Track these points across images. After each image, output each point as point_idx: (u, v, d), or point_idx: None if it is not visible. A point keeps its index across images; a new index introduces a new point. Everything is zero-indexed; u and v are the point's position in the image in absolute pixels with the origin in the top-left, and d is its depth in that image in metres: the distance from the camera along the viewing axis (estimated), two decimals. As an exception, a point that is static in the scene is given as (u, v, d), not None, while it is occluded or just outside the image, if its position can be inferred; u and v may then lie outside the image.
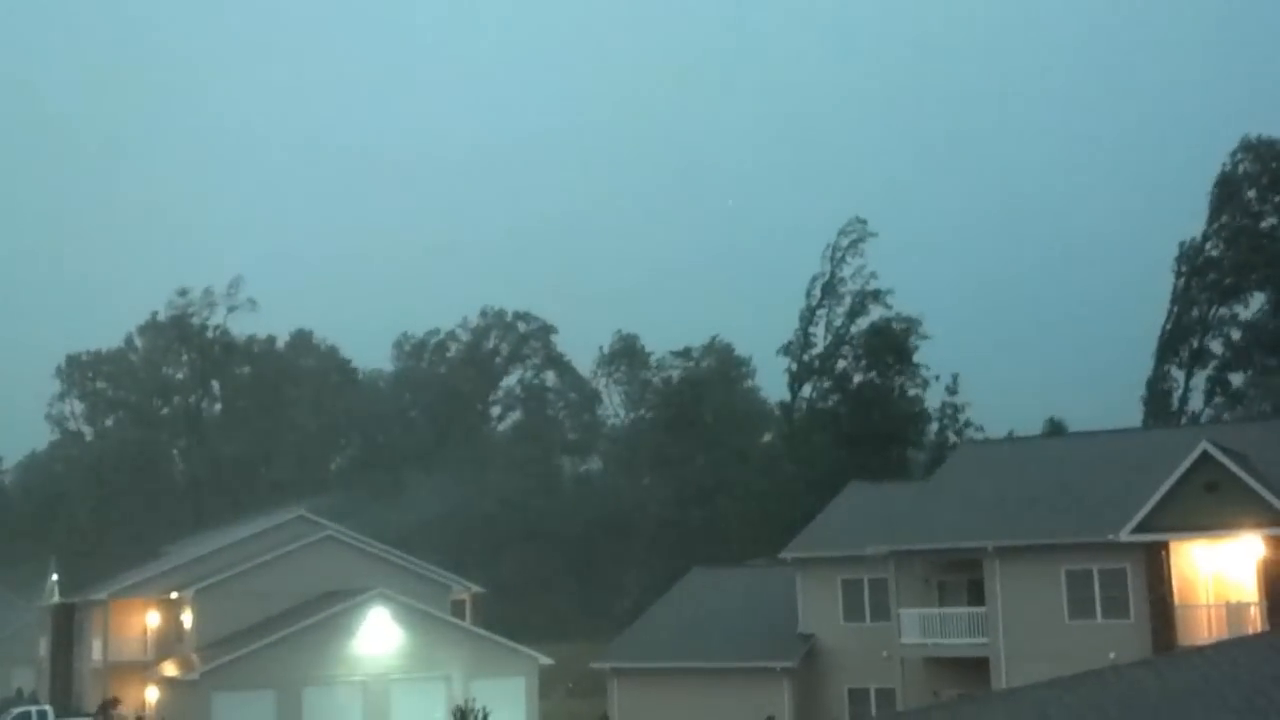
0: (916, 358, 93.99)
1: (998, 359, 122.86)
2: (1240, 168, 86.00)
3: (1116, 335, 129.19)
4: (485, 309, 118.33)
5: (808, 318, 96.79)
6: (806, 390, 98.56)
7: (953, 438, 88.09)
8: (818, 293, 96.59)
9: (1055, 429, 77.74)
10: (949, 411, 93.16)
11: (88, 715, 59.33)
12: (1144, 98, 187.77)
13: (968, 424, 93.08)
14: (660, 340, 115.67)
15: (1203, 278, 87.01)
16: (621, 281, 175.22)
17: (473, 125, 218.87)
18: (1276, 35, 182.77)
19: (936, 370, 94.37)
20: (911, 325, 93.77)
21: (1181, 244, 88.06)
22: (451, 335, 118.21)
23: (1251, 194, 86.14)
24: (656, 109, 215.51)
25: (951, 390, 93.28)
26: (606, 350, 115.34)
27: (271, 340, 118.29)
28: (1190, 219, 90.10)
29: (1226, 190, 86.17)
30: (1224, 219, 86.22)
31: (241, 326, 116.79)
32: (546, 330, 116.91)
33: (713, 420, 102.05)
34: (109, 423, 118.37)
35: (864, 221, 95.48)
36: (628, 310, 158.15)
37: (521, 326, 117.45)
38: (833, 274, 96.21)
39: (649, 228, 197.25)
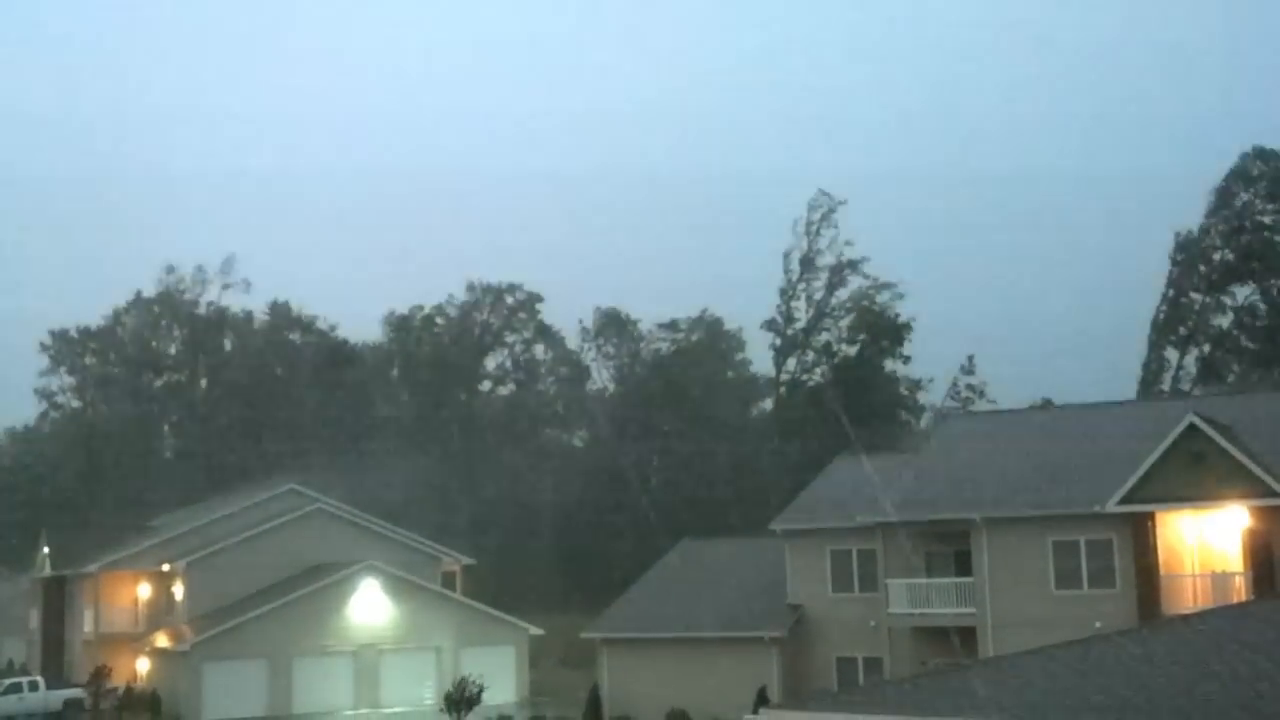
0: (910, 330, 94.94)
1: (990, 337, 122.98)
2: (1252, 169, 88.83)
3: (1109, 319, 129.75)
4: (472, 283, 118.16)
5: (789, 292, 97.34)
6: (791, 364, 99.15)
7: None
8: (795, 267, 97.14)
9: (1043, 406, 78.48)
10: (958, 392, 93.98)
11: (78, 686, 59.55)
12: (1144, 83, 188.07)
13: (972, 392, 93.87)
14: (647, 311, 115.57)
15: (1198, 267, 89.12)
16: (607, 251, 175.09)
17: (459, 100, 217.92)
18: (1273, 39, 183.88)
19: (925, 345, 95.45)
20: (892, 291, 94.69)
21: (1177, 234, 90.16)
22: (438, 309, 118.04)
23: (1256, 194, 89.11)
24: (648, 88, 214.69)
25: (968, 370, 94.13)
26: (590, 324, 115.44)
27: (259, 314, 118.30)
28: (1183, 208, 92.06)
29: (1231, 188, 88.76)
30: (1225, 214, 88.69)
31: (234, 303, 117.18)
32: (534, 300, 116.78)
33: (702, 393, 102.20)
34: (99, 397, 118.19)
35: (829, 194, 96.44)
36: (614, 280, 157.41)
37: (510, 299, 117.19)
38: (809, 247, 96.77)
39: (635, 195, 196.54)
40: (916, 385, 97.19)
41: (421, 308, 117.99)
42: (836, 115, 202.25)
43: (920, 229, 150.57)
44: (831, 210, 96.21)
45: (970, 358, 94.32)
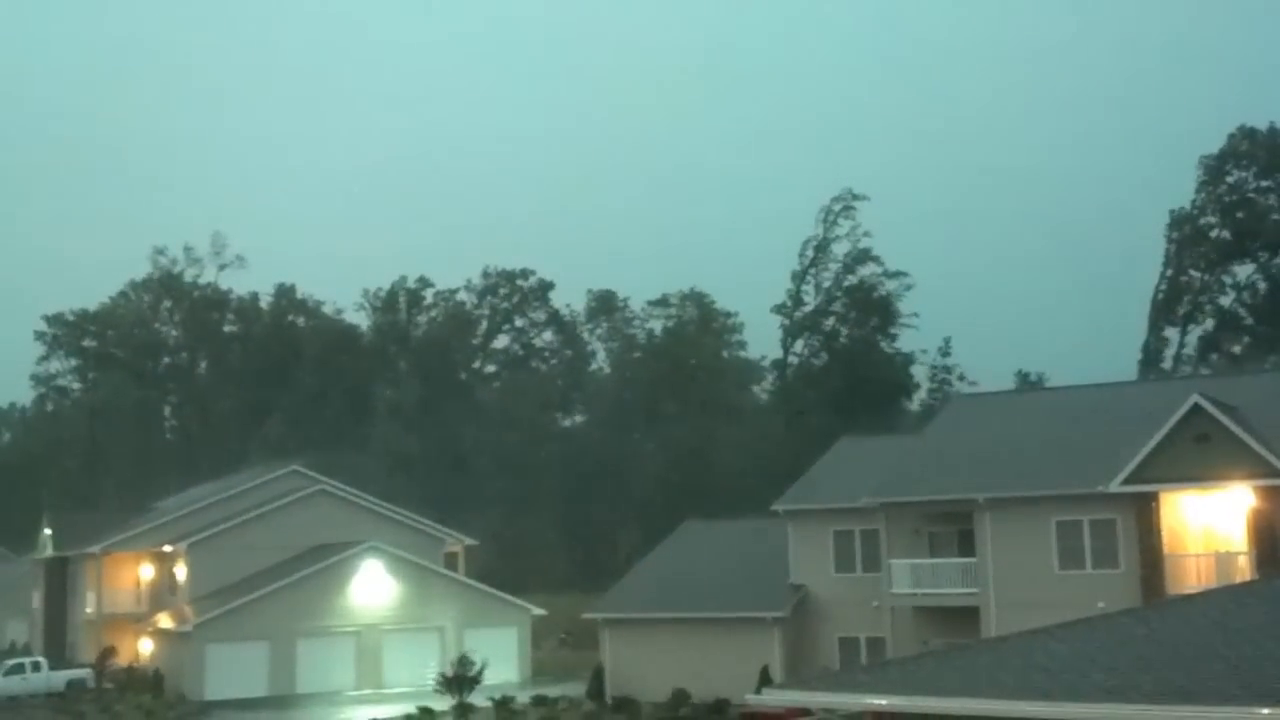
0: (907, 314, 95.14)
1: (994, 322, 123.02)
2: (1240, 147, 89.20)
3: (1111, 298, 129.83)
4: (484, 267, 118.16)
5: (800, 277, 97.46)
6: (799, 346, 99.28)
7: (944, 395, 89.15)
8: (810, 253, 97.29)
9: (1032, 385, 78.76)
10: (937, 372, 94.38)
11: (81, 667, 59.63)
12: (1138, 68, 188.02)
13: (961, 378, 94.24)
14: (644, 298, 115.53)
15: (1194, 245, 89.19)
16: (611, 240, 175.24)
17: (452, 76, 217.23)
18: (1259, 22, 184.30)
19: (930, 328, 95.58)
20: (899, 280, 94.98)
21: (1172, 212, 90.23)
22: (425, 283, 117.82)
23: (1246, 173, 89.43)
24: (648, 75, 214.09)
25: (944, 352, 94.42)
26: (583, 307, 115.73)
27: (260, 296, 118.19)
28: (1177, 185, 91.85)
29: (1220, 166, 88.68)
30: (1219, 192, 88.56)
31: (230, 283, 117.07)
32: (546, 288, 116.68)
33: (703, 375, 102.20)
34: (99, 380, 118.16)
35: (855, 195, 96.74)
36: (617, 269, 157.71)
37: (514, 282, 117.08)
38: (825, 236, 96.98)
39: (638, 185, 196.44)
40: (917, 367, 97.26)
41: (425, 288, 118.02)
42: (835, 115, 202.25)
43: (919, 224, 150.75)
44: (849, 206, 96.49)
45: (947, 339, 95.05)
